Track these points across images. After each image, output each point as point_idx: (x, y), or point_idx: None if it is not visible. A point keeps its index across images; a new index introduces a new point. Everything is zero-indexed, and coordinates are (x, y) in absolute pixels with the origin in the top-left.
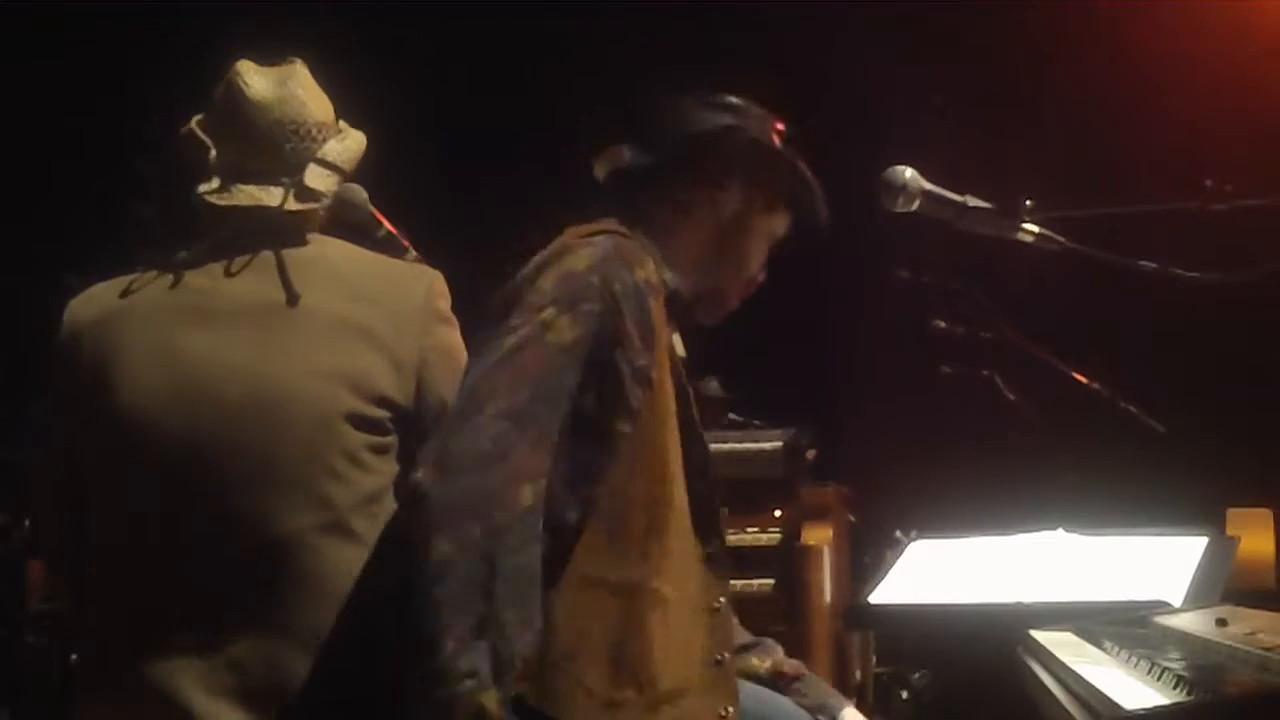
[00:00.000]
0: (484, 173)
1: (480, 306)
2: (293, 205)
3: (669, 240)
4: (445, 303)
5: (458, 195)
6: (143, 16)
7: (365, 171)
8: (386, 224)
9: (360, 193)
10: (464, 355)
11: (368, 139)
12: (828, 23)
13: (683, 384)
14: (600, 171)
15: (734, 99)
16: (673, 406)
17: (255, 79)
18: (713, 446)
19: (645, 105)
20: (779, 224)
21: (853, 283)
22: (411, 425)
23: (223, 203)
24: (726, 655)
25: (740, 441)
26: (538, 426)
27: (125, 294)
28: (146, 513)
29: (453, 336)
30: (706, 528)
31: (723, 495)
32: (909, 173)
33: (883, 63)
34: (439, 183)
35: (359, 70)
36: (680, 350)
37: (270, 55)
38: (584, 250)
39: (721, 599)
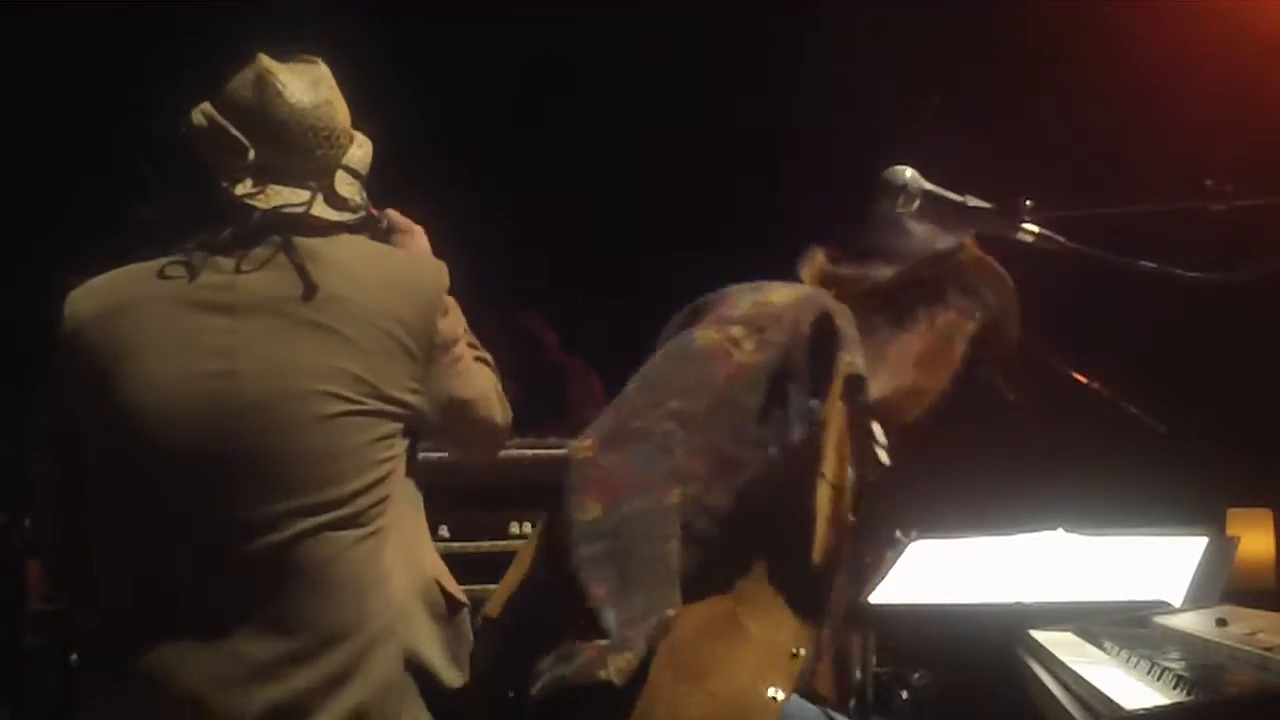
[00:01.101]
0: (481, 171)
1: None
2: (325, 212)
3: (881, 344)
4: (446, 292)
5: (454, 191)
6: (144, 16)
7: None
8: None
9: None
10: (459, 332)
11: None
12: (828, 23)
13: (845, 459)
14: (806, 277)
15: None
16: (829, 472)
17: (290, 81)
18: None
19: (860, 220)
20: (975, 327)
21: None
22: (419, 419)
23: (262, 205)
24: (780, 697)
25: None
26: (704, 435)
27: (134, 288)
28: (158, 507)
29: (455, 328)
30: (816, 588)
31: None
32: (909, 173)
33: (883, 62)
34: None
35: (364, 69)
36: (882, 438)
37: (274, 53)
38: (785, 288)
39: (802, 649)
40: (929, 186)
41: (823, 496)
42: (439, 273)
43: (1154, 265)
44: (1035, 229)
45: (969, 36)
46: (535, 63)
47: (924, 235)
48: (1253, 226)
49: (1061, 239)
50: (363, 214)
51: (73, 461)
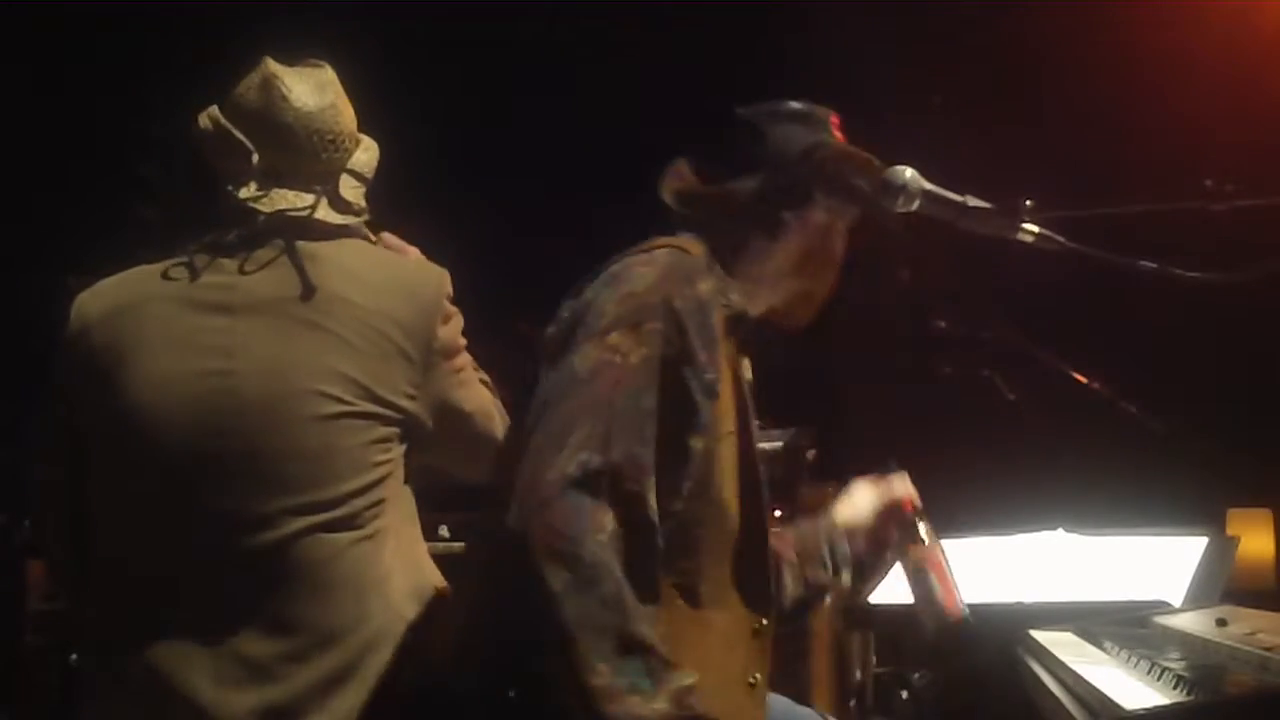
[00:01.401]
0: (480, 173)
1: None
2: (328, 215)
3: (756, 260)
4: (449, 300)
5: (458, 195)
6: (144, 16)
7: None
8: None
9: None
10: (460, 342)
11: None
12: (828, 22)
13: (744, 404)
14: (667, 195)
15: (800, 105)
16: (730, 425)
17: (296, 85)
18: None
19: (718, 125)
20: (853, 216)
21: (853, 283)
22: (419, 424)
23: (266, 209)
24: (759, 677)
25: None
26: (619, 451)
27: (137, 288)
28: (158, 505)
29: (453, 332)
30: (753, 550)
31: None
32: (909, 173)
33: (883, 63)
34: (438, 181)
35: (364, 71)
36: (749, 375)
37: (280, 57)
38: (642, 269)
39: (764, 620)
40: (929, 186)
41: (727, 450)
42: (440, 278)
43: (1154, 265)
44: (1035, 229)
45: (970, 36)
46: (534, 63)
47: (783, 138)
48: (1253, 226)
49: (1061, 239)
50: (365, 217)
51: (77, 460)
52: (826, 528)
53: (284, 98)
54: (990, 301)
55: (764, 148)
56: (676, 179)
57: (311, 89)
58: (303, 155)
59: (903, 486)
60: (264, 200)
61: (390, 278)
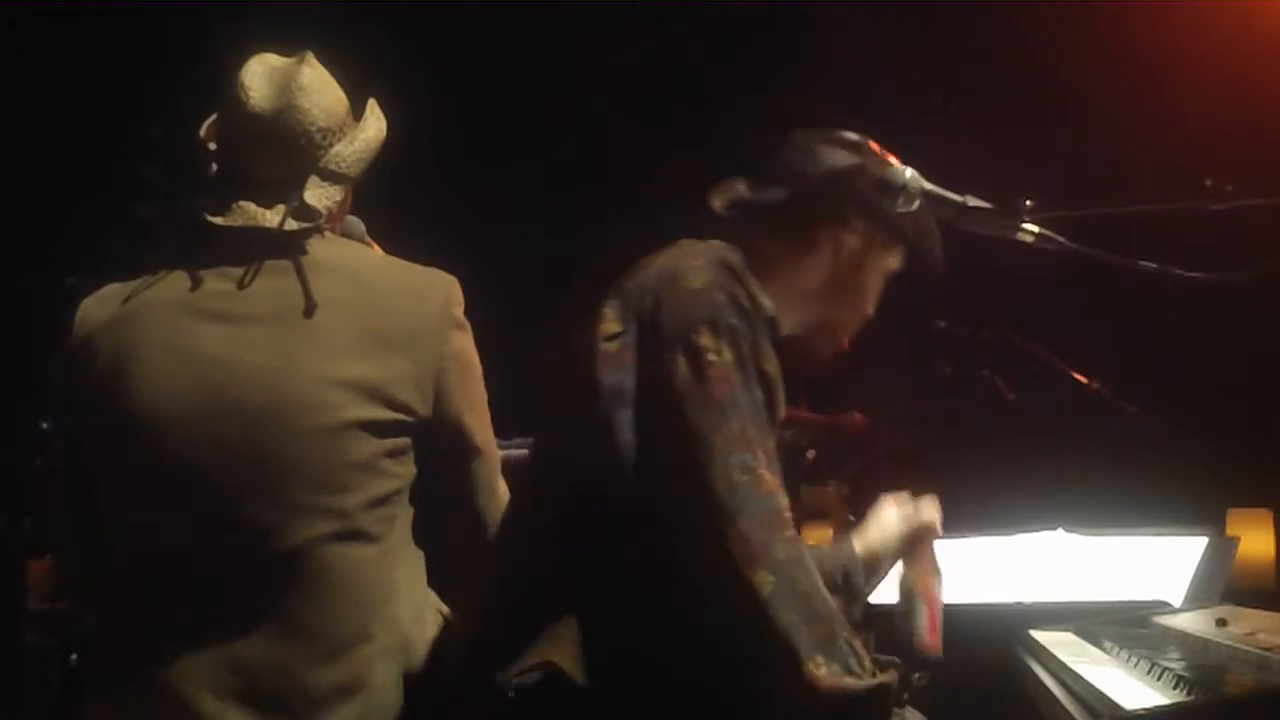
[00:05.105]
0: (483, 173)
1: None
2: (291, 225)
3: (784, 274)
4: (460, 309)
5: (457, 197)
6: (147, 17)
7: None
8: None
9: (356, 225)
10: (476, 362)
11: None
12: (827, 23)
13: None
14: (717, 203)
15: (853, 136)
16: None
17: (257, 86)
18: None
19: (764, 139)
20: (895, 260)
21: None
22: (429, 431)
23: (222, 222)
24: None
25: None
26: (761, 446)
27: (140, 294)
28: (160, 515)
29: (467, 343)
30: None
31: None
32: (909, 173)
33: (883, 62)
34: (439, 183)
35: (369, 69)
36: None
37: (279, 47)
38: (695, 268)
39: None
40: (929, 186)
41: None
42: (449, 285)
43: (1154, 265)
44: (1035, 229)
45: (970, 36)
46: (530, 67)
47: (821, 157)
48: (1253, 226)
49: (1061, 239)
50: (320, 222)
51: (77, 467)
52: (846, 557)
53: (242, 103)
54: (990, 301)
55: (800, 162)
56: (727, 192)
57: (274, 90)
58: (263, 160)
59: (931, 511)
60: (225, 215)
61: (396, 283)
